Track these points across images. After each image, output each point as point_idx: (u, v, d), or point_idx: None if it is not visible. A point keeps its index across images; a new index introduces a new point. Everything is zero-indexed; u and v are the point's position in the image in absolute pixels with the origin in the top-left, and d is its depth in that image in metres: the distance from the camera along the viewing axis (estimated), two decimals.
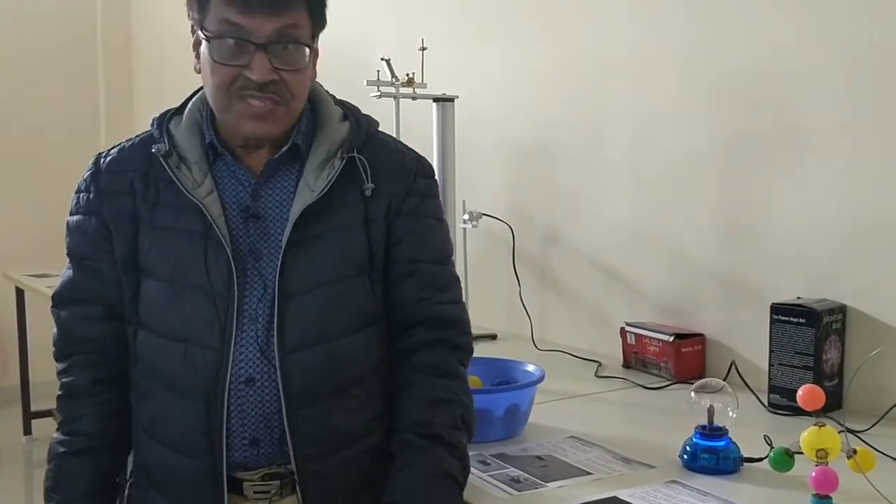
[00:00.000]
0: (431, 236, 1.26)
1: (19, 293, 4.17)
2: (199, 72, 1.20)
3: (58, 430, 1.28)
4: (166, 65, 4.74)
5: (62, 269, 1.30)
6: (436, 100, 2.30)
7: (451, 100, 2.31)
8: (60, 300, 1.28)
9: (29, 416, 4.30)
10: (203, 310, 1.15)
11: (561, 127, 2.35)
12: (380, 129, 1.29)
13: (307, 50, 1.16)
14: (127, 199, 1.20)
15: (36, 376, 4.23)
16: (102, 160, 1.25)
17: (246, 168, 1.21)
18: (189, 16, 1.19)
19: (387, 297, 1.24)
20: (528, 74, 2.44)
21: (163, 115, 1.25)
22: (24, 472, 4.12)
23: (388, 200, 1.22)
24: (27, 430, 4.32)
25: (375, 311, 1.23)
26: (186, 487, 1.18)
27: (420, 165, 1.28)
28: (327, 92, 1.29)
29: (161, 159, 1.18)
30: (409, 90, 2.34)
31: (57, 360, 1.29)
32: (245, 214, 1.19)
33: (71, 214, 1.26)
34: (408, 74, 2.34)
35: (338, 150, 1.21)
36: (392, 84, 2.32)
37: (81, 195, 1.24)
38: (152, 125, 1.24)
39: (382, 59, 2.34)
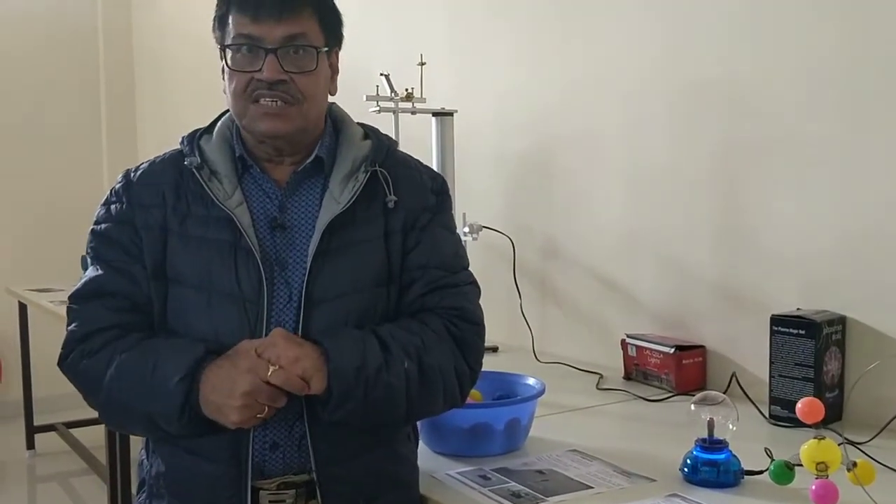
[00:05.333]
0: (437, 245, 1.30)
1: (22, 308, 4.17)
2: (226, 93, 1.25)
3: (66, 355, 1.22)
4: (168, 76, 4.77)
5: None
6: (435, 114, 2.31)
7: (451, 114, 2.32)
8: (81, 296, 1.24)
9: (32, 430, 4.30)
10: (233, 315, 1.19)
11: (558, 138, 2.35)
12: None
13: (315, 53, 1.21)
14: (158, 210, 1.24)
15: (39, 391, 4.23)
16: (133, 174, 1.29)
17: (273, 181, 1.26)
18: (217, 41, 1.25)
19: (398, 304, 1.28)
20: (526, 87, 2.45)
21: (192, 134, 1.30)
22: (28, 486, 4.12)
23: (406, 214, 1.28)
24: (30, 445, 4.32)
25: None
26: (209, 493, 1.19)
27: (434, 182, 1.35)
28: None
29: (195, 171, 1.23)
30: (408, 105, 2.35)
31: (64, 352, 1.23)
32: (272, 225, 1.24)
33: (98, 223, 1.28)
34: (407, 89, 2.35)
35: (361, 164, 1.27)
36: (391, 99, 2.33)
37: (113, 206, 1.27)
38: (182, 143, 1.30)
39: (381, 74, 2.35)
